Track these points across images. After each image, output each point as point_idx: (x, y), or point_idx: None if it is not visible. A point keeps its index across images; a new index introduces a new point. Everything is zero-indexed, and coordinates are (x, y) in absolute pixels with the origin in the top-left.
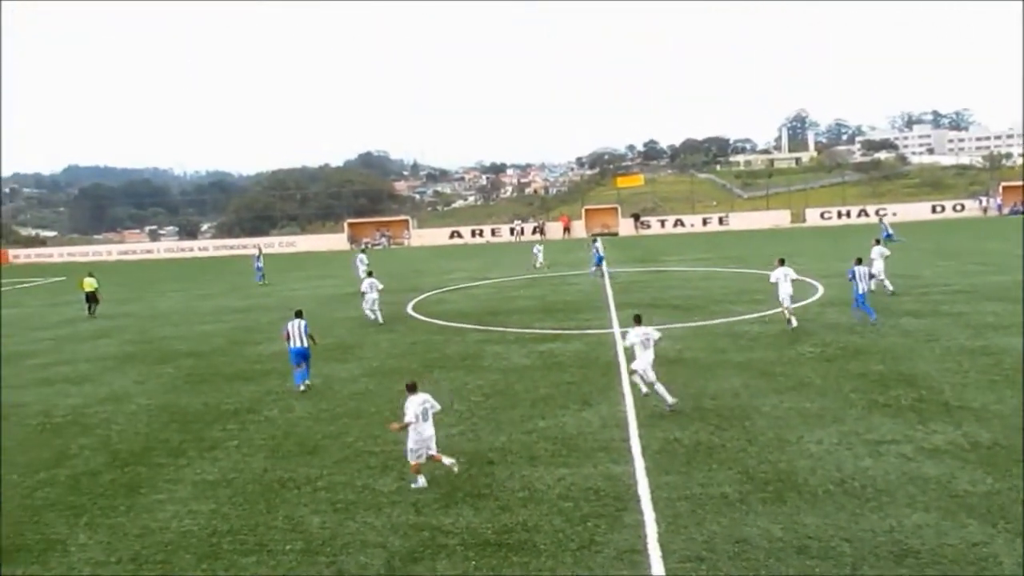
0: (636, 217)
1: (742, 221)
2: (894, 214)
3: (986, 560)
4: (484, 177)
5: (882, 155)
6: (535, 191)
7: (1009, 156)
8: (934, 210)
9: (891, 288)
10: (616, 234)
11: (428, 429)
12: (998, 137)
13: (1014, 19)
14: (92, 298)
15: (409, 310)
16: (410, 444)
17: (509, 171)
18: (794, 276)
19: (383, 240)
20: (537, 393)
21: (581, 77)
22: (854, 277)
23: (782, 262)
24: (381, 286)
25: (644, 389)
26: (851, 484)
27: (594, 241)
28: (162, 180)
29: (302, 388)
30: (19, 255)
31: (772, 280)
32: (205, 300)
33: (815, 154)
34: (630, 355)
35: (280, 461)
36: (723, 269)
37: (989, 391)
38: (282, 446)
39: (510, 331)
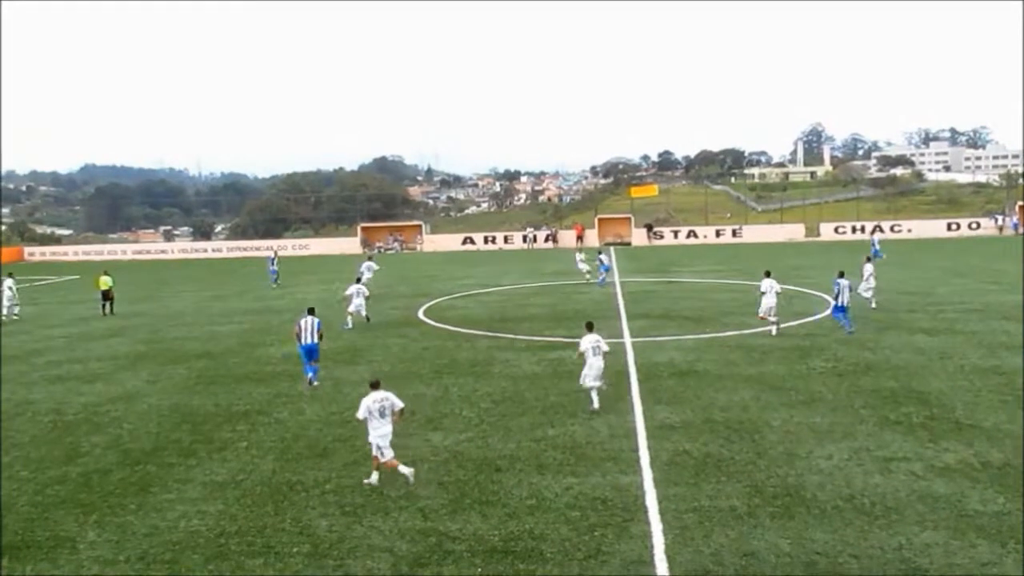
0: (649, 227)
1: (756, 234)
2: (909, 230)
3: None
4: (498, 184)
5: (898, 171)
6: (549, 199)
7: None
8: (949, 227)
9: (873, 305)
10: (629, 244)
11: (384, 427)
12: (1015, 156)
13: None
14: (108, 296)
15: (420, 315)
16: (368, 438)
17: (523, 178)
18: (778, 288)
19: (395, 245)
20: (547, 401)
21: (597, 86)
22: (838, 289)
23: (768, 274)
24: (368, 293)
25: (596, 404)
26: (860, 500)
27: (600, 253)
28: (177, 181)
29: (315, 383)
30: (34, 253)
31: (761, 290)
32: (218, 301)
33: (830, 168)
34: (582, 361)
35: (289, 463)
36: (736, 281)
37: (1001, 410)
38: (291, 448)
39: (520, 338)
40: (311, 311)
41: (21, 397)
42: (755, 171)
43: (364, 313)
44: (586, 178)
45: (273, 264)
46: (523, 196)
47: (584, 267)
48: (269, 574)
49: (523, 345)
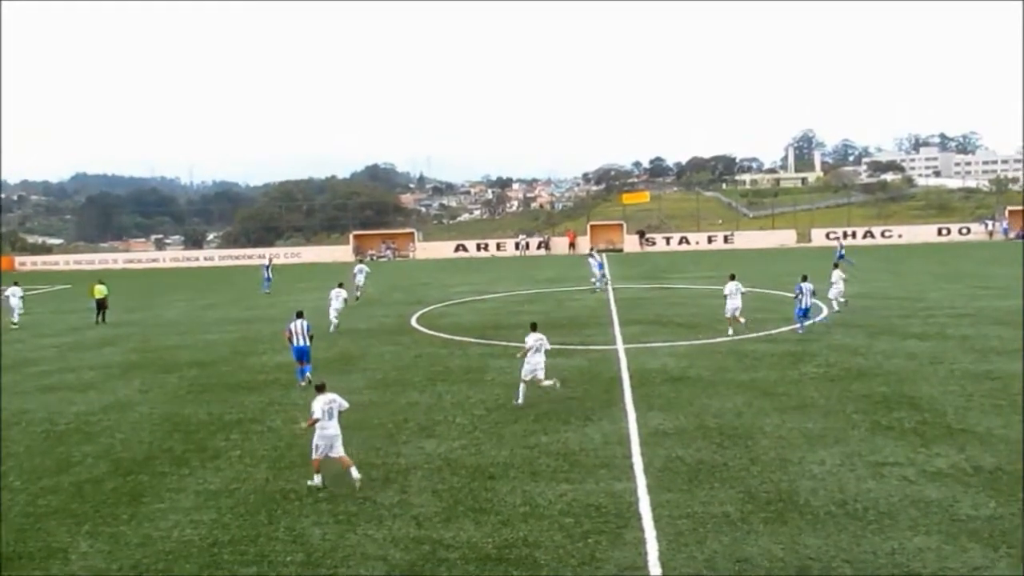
0: (641, 234)
1: (747, 240)
2: (900, 236)
3: None
4: (490, 191)
5: (889, 177)
6: (541, 206)
7: (1016, 180)
8: (940, 233)
9: (836, 308)
10: (621, 250)
11: (332, 428)
12: (1005, 161)
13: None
14: (102, 305)
15: (413, 322)
16: (315, 441)
17: (515, 185)
18: (743, 290)
19: (388, 252)
20: (540, 408)
21: (589, 93)
22: (800, 292)
23: (732, 277)
24: (346, 296)
25: (520, 400)
26: (853, 506)
27: (591, 253)
28: (169, 189)
29: (303, 384)
30: (25, 262)
31: (725, 293)
32: (210, 310)
33: (821, 174)
34: (523, 357)
35: (282, 472)
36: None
37: (993, 415)
38: (284, 457)
39: (513, 345)
40: (299, 314)
41: (14, 407)
42: (746, 177)
43: (335, 320)
44: (578, 185)
45: (267, 271)
46: (515, 203)
47: (596, 269)
48: None
49: (516, 352)
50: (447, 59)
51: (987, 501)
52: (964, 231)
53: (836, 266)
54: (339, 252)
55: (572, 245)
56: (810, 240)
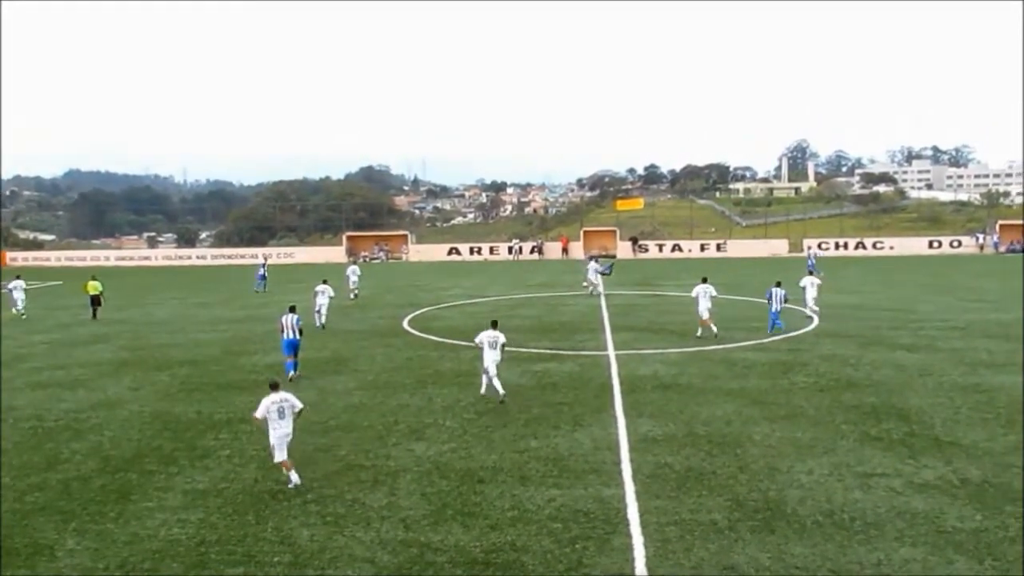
0: (634, 241)
1: (740, 248)
2: (891, 248)
3: None
4: (484, 195)
5: (881, 188)
6: (535, 211)
7: (1007, 195)
8: (931, 245)
9: (808, 313)
10: (614, 257)
11: (285, 427)
12: (996, 175)
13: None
14: (96, 301)
15: (405, 325)
16: (271, 441)
17: (509, 190)
18: (713, 293)
19: (381, 254)
20: (530, 413)
21: (584, 99)
22: (771, 297)
23: (704, 280)
24: (332, 293)
25: (483, 389)
26: (840, 516)
27: (592, 260)
28: (163, 187)
29: (292, 377)
30: (16, 258)
31: (693, 295)
32: (202, 308)
33: (815, 184)
34: (479, 352)
35: (271, 472)
36: (720, 296)
37: (980, 428)
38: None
39: (505, 349)
40: (292, 308)
41: (4, 403)
42: (740, 186)
43: (322, 319)
44: (572, 190)
45: (262, 270)
46: (509, 207)
47: (594, 277)
48: None
49: (508, 356)
50: (444, 62)
51: (973, 514)
52: (955, 244)
53: (811, 273)
54: (332, 253)
55: (565, 250)
56: (802, 250)
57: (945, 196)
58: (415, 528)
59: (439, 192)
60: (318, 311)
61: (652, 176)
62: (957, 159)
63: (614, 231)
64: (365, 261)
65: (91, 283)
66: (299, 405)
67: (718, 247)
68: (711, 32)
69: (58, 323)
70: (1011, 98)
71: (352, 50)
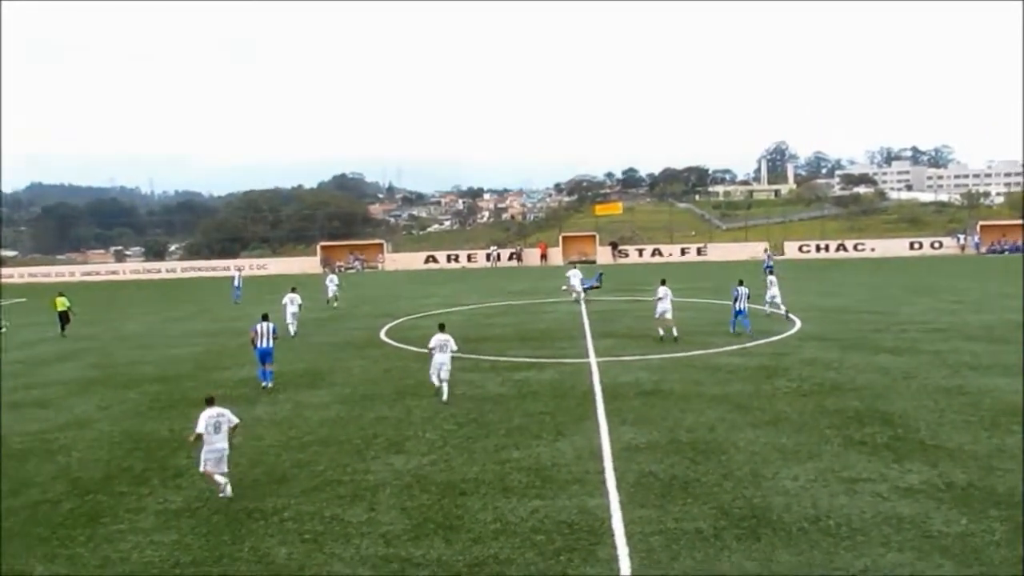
0: (614, 245)
1: (720, 252)
2: (872, 249)
3: None
4: (461, 201)
5: (861, 190)
6: (512, 217)
7: (987, 195)
8: (912, 247)
9: (768, 311)
10: (594, 262)
11: (220, 442)
12: (976, 176)
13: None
14: (64, 317)
15: (382, 335)
16: (203, 455)
17: (486, 196)
18: (672, 296)
19: (357, 264)
20: (511, 423)
21: (561, 103)
22: (737, 296)
23: (663, 282)
24: (300, 302)
25: (437, 383)
26: (826, 522)
27: (574, 266)
28: (129, 199)
29: (266, 386)
30: None
31: (657, 297)
32: (172, 323)
33: (794, 187)
34: (429, 356)
35: (247, 490)
36: (701, 300)
37: (965, 431)
38: (249, 475)
39: (484, 359)
40: (265, 317)
41: None
42: (719, 189)
43: (293, 329)
44: (550, 196)
45: (237, 283)
46: (486, 214)
47: (576, 284)
48: None
49: (487, 366)
50: (418, 66)
51: (959, 518)
52: (936, 245)
53: (771, 272)
54: (307, 263)
55: (544, 257)
56: (783, 252)
57: (925, 197)
58: (396, 543)
59: (415, 199)
60: (290, 322)
61: (631, 180)
62: (937, 159)
63: (593, 236)
64: (340, 271)
65: (59, 299)
66: (235, 420)
67: (698, 251)
68: (689, 34)
69: (23, 341)
70: (989, 98)
71: (323, 54)
